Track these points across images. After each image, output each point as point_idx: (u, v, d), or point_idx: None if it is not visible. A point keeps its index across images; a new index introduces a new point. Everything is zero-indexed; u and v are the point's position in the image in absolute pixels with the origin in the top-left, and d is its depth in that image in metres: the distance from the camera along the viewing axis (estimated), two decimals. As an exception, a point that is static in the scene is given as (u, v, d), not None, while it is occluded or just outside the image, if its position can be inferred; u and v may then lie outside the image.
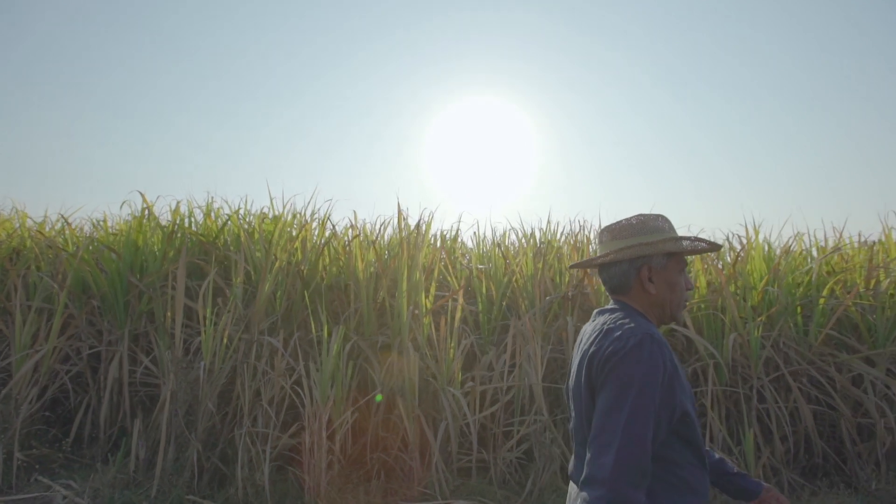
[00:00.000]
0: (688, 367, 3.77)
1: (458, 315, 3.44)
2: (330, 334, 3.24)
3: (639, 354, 1.05)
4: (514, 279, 4.17)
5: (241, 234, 4.13)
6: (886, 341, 3.65)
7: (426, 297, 3.65)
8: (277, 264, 3.68)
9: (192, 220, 4.69)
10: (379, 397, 3.25)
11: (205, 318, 3.30)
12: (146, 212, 4.30)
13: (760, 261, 3.97)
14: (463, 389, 3.24)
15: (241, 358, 3.41)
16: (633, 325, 1.12)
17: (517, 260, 4.27)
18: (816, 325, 3.68)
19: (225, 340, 3.37)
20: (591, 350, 1.13)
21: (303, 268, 4.12)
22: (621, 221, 1.30)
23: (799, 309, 3.79)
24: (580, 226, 5.80)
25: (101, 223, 4.52)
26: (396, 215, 4.69)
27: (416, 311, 3.67)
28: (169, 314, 3.62)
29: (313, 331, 3.59)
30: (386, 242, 4.84)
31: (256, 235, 4.17)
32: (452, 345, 3.35)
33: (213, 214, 4.72)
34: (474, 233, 6.19)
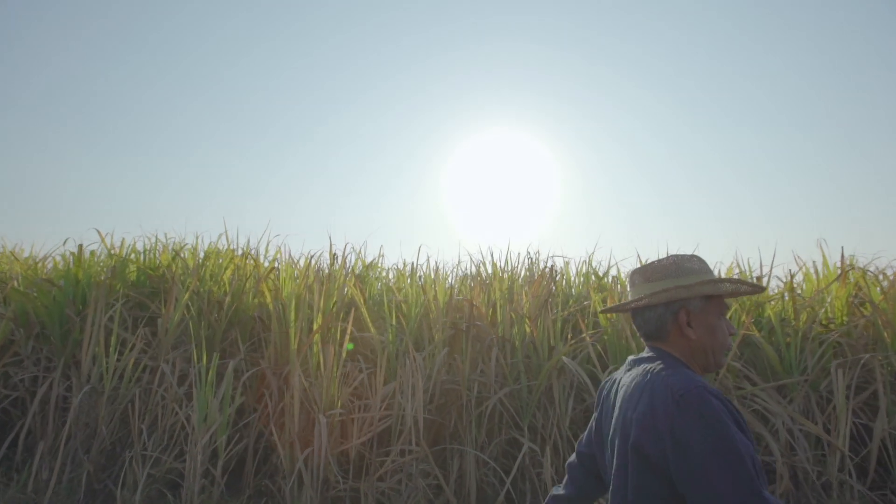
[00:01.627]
0: (591, 400, 3.69)
1: (345, 343, 3.55)
2: (208, 361, 3.40)
3: (700, 411, 0.95)
4: (430, 309, 4.25)
5: (175, 267, 4.41)
6: (793, 375, 3.49)
7: (315, 325, 3.77)
8: (187, 294, 3.91)
9: (138, 254, 5.03)
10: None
11: (109, 346, 3.53)
12: (90, 247, 4.68)
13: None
14: (339, 417, 3.30)
15: (146, 384, 3.61)
16: (679, 377, 1.03)
17: (432, 291, 4.35)
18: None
19: (131, 366, 3.58)
20: (640, 410, 1.03)
21: (226, 298, 4.34)
22: (653, 263, 1.24)
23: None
24: (535, 258, 5.84)
25: (41, 259, 4.93)
26: (345, 249, 4.90)
27: (319, 339, 3.79)
28: (85, 342, 3.88)
29: (201, 359, 3.77)
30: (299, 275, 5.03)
31: (178, 269, 4.44)
32: (337, 373, 3.45)
33: (154, 250, 5.05)
34: (414, 264, 6.29)
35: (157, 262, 4.88)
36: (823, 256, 4.47)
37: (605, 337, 3.72)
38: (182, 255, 4.99)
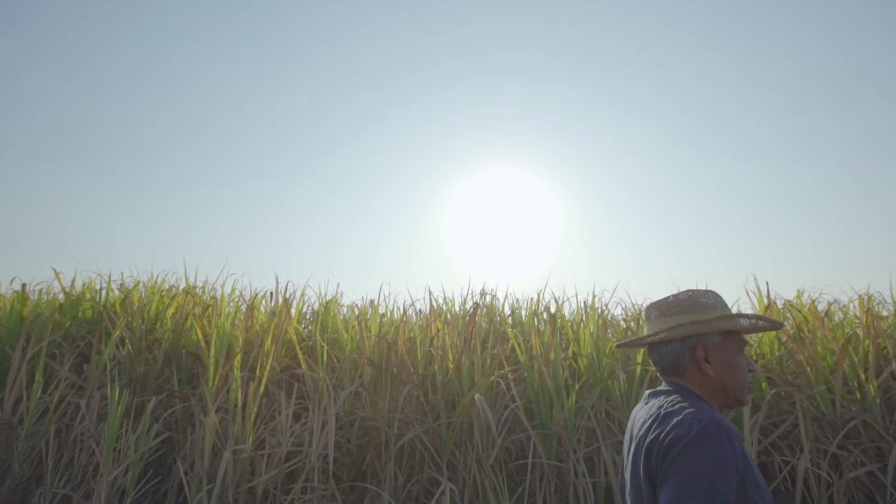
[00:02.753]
0: (513, 436, 3.67)
1: (264, 379, 3.59)
2: (119, 397, 3.45)
3: (704, 444, 0.94)
4: (364, 347, 4.30)
5: (115, 305, 4.52)
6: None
7: (236, 362, 3.83)
8: (117, 332, 4.00)
9: (95, 293, 5.16)
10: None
11: (31, 383, 3.60)
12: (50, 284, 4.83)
13: (590, 327, 3.94)
14: (248, 453, 3.31)
15: (68, 421, 3.65)
16: (693, 409, 1.03)
17: (365, 329, 4.41)
18: (634, 393, 3.56)
19: (55, 403, 3.64)
20: (650, 438, 1.03)
21: (167, 335, 4.42)
22: (669, 297, 1.23)
23: (622, 376, 3.69)
24: (481, 295, 5.90)
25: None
26: (306, 289, 5.00)
27: (243, 375, 3.84)
28: (11, 378, 3.95)
29: (109, 398, 3.81)
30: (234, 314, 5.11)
31: (117, 307, 4.55)
32: (254, 408, 3.47)
33: (109, 289, 5.19)
34: (374, 301, 6.37)
35: (106, 300, 5.00)
36: (758, 291, 4.50)
37: (525, 374, 3.74)
38: (139, 291, 5.11)
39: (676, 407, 1.05)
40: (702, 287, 1.30)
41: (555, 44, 12.57)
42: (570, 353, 3.67)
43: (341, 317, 5.81)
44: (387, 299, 6.10)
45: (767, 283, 4.09)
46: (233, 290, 5.53)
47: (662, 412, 1.06)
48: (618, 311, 5.06)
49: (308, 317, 5.96)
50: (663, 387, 1.19)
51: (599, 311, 4.91)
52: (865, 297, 4.07)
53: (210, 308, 4.36)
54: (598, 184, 13.16)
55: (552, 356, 3.72)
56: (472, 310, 4.51)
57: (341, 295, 6.36)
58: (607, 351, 3.73)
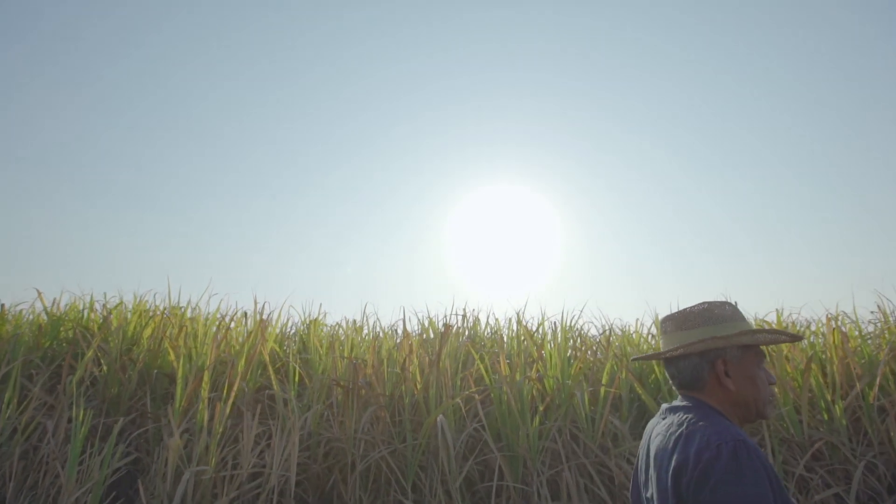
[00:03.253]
0: (481, 458, 3.67)
1: (230, 400, 3.61)
2: (83, 418, 3.48)
3: (739, 472, 0.92)
4: (337, 367, 4.32)
5: (91, 325, 4.58)
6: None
7: (205, 382, 3.85)
8: (90, 352, 4.04)
9: (79, 313, 5.22)
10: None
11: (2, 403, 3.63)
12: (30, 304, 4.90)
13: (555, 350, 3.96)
14: (210, 475, 3.32)
15: (35, 442, 3.68)
16: (717, 428, 1.00)
17: (339, 350, 4.44)
18: (599, 414, 3.56)
19: (23, 424, 3.66)
20: (676, 460, 0.99)
21: (142, 356, 4.46)
22: (685, 310, 1.21)
23: (587, 397, 3.70)
24: (462, 315, 5.93)
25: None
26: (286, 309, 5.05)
27: (212, 396, 3.86)
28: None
29: (73, 418, 3.84)
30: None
31: (94, 328, 4.60)
32: (219, 430, 3.49)
33: (91, 308, 5.25)
34: (355, 321, 6.40)
35: (87, 319, 5.06)
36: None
37: (492, 395, 3.75)
38: (120, 311, 5.17)
39: (699, 426, 1.02)
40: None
41: (556, 61, 12.74)
42: (533, 373, 3.68)
43: (325, 336, 5.85)
44: (368, 318, 6.14)
45: (735, 302, 4.10)
46: (217, 309, 5.58)
47: (685, 431, 1.02)
48: (593, 331, 5.07)
49: (292, 336, 6.00)
50: (680, 401, 1.15)
51: (572, 330, 4.92)
52: (833, 318, 4.08)
53: (184, 328, 4.41)
54: (599, 201, 13.19)
55: (517, 377, 3.73)
56: (443, 330, 4.54)
57: (324, 315, 6.41)
58: (573, 371, 3.74)
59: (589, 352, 4.23)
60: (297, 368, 4.27)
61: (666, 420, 1.13)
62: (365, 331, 6.01)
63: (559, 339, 3.97)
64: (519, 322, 5.17)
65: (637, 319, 4.56)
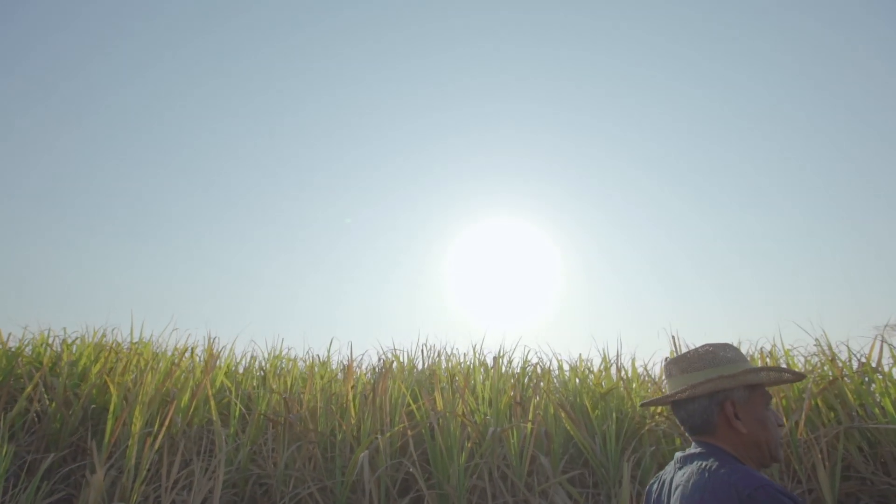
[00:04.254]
0: (411, 496, 3.63)
1: (160, 436, 3.63)
2: (4, 453, 3.49)
3: None
4: (276, 402, 4.34)
5: (35, 361, 4.63)
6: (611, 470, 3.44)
7: (136, 419, 3.87)
8: (29, 388, 4.08)
9: (39, 350, 5.28)
10: None
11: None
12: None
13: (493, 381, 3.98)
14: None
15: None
16: (741, 474, 0.99)
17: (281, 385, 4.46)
18: (518, 448, 3.55)
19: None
20: None
21: (87, 392, 4.49)
22: (689, 353, 1.22)
23: (515, 433, 3.69)
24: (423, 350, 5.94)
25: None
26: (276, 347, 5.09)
27: (150, 432, 3.88)
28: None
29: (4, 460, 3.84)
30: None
31: (45, 363, 4.65)
32: (145, 467, 3.50)
33: (45, 344, 5.30)
34: (321, 357, 6.41)
35: (41, 355, 5.11)
36: (675, 345, 4.53)
37: (423, 431, 3.75)
38: (79, 346, 5.22)
39: (722, 473, 1.00)
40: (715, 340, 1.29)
41: (556, 95, 13.07)
42: (459, 410, 3.69)
43: (285, 371, 5.86)
44: (331, 353, 6.16)
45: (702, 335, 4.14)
46: (177, 346, 5.63)
47: (709, 479, 1.00)
48: (552, 365, 5.06)
49: (256, 371, 6.02)
50: (694, 448, 1.14)
51: (514, 363, 4.94)
52: (768, 353, 4.09)
53: (127, 363, 4.45)
54: (598, 232, 13.24)
55: (448, 412, 3.75)
56: (382, 366, 4.57)
57: (288, 350, 6.45)
58: (502, 406, 3.75)
59: (532, 386, 4.24)
60: (238, 403, 4.29)
61: (684, 469, 1.11)
62: (335, 366, 6.04)
63: (492, 374, 4.00)
64: (448, 358, 5.20)
65: (580, 354, 4.55)
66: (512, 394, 3.98)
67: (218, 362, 5.01)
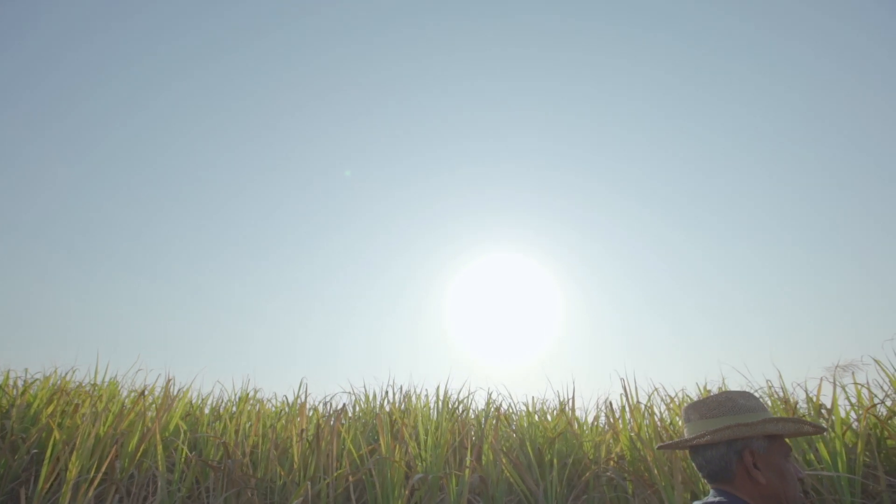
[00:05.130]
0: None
1: (95, 482, 3.57)
2: None
3: None
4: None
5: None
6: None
7: (72, 464, 3.81)
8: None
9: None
10: None
11: None
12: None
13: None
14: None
15: None
16: None
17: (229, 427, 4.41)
18: (456, 495, 3.45)
19: None
20: None
21: (35, 435, 4.44)
22: (707, 399, 1.22)
23: (453, 479, 3.60)
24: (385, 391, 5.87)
25: None
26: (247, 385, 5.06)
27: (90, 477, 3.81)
28: None
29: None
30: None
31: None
32: (74, 515, 3.42)
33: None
34: (284, 398, 6.33)
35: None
36: (625, 390, 4.46)
37: (365, 476, 3.67)
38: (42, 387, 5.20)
39: None
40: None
41: (557, 129, 13.27)
42: (395, 454, 3.62)
43: (252, 413, 5.78)
44: (304, 393, 6.09)
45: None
46: (132, 388, 5.59)
47: None
48: (520, 408, 4.96)
49: (222, 413, 5.94)
50: (713, 497, 1.13)
51: (478, 405, 4.86)
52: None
53: (76, 407, 4.42)
54: (599, 268, 13.17)
55: (392, 455, 3.68)
56: (339, 408, 4.51)
57: (255, 391, 6.38)
58: (444, 451, 3.68)
59: (474, 430, 4.17)
60: (184, 448, 4.22)
61: None
62: (310, 408, 5.96)
63: (433, 415, 3.94)
64: (417, 398, 5.13)
65: (532, 398, 4.47)
66: (459, 438, 3.91)
67: (177, 403, 4.95)
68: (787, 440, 1.15)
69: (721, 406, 1.17)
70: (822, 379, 3.57)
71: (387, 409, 5.32)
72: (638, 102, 12.86)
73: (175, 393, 5.09)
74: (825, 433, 1.18)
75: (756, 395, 1.25)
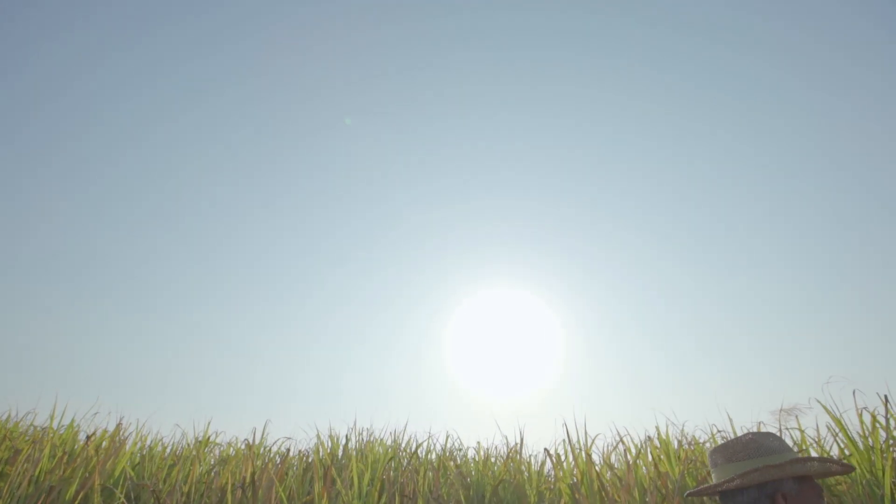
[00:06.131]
0: None
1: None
2: None
3: None
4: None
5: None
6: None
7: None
8: None
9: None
10: None
11: None
12: None
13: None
14: None
15: None
16: None
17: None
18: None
19: None
20: None
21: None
22: (733, 442, 1.21)
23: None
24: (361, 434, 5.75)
25: None
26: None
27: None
28: None
29: None
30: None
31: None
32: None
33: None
34: (247, 441, 6.20)
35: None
36: (568, 435, 4.31)
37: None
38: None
39: None
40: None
41: (559, 165, 13.30)
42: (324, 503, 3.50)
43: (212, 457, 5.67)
44: (264, 437, 5.97)
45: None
46: (75, 432, 5.52)
47: None
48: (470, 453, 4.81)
49: (180, 457, 5.82)
50: None
51: (436, 449, 4.73)
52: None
53: (15, 452, 4.36)
54: (599, 303, 12.96)
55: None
56: (286, 453, 4.41)
57: (215, 434, 6.28)
58: (377, 499, 3.55)
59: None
60: (121, 496, 4.12)
61: None
62: (285, 451, 5.84)
63: (355, 463, 3.83)
64: (380, 443, 5.01)
65: (478, 442, 4.31)
66: (398, 485, 3.79)
67: (123, 448, 4.86)
68: (817, 480, 1.10)
69: (747, 448, 1.15)
70: (759, 424, 3.44)
71: (339, 453, 5.20)
72: (641, 138, 12.90)
73: (125, 436, 5.01)
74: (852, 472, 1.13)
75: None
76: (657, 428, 3.69)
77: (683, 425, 3.86)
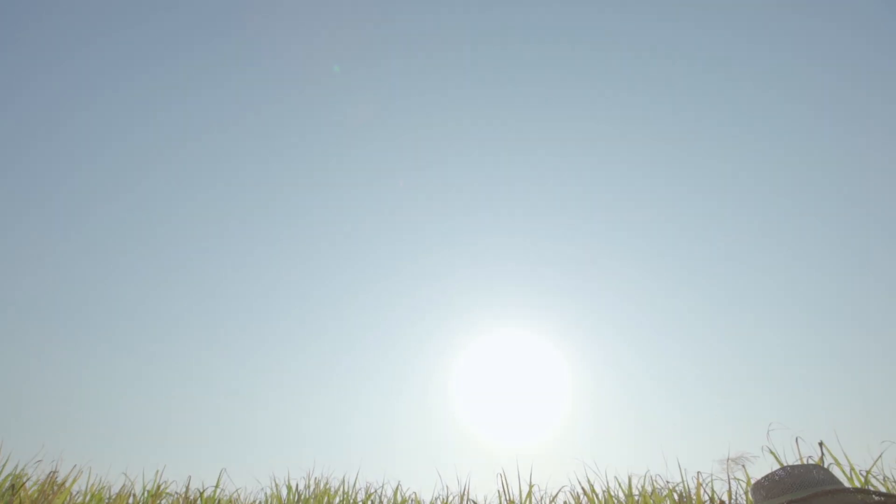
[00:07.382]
0: None
1: None
2: None
3: None
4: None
5: None
6: None
7: None
8: None
9: None
10: None
11: None
12: None
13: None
14: None
15: None
16: None
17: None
18: None
19: None
20: None
21: None
22: (773, 476, 1.16)
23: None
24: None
25: None
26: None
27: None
28: None
29: None
30: None
31: None
32: None
33: None
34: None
35: None
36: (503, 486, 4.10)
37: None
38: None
39: None
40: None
41: (565, 204, 13.06)
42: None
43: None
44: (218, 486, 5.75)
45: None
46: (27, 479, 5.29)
47: None
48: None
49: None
50: None
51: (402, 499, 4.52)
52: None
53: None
54: (606, 343, 12.47)
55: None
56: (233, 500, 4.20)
57: (167, 483, 6.03)
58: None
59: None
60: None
61: None
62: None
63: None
64: (344, 493, 4.80)
65: (415, 492, 4.10)
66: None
67: (55, 499, 4.63)
68: None
69: (781, 482, 1.11)
70: (711, 476, 3.28)
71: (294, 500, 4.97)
72: (643, 176, 12.73)
73: (60, 485, 4.79)
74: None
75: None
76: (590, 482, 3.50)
77: (630, 478, 3.68)
